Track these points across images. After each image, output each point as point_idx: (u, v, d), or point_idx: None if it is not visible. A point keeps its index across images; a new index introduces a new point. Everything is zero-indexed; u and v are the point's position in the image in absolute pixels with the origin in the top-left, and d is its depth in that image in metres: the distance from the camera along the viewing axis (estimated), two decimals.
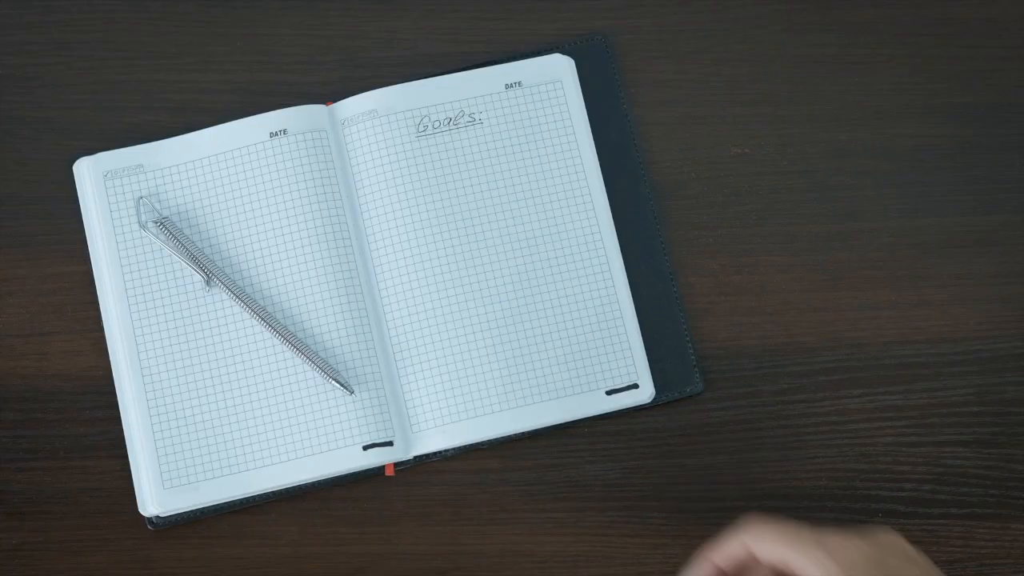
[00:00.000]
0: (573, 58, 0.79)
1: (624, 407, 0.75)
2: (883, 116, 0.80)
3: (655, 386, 0.75)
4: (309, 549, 0.74)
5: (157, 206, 0.76)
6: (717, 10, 0.81)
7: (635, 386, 0.75)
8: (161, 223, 0.75)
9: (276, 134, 0.77)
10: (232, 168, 0.77)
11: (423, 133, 0.77)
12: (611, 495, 0.74)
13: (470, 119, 0.78)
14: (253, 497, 0.74)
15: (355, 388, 0.74)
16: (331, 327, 0.75)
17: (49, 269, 0.77)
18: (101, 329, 0.76)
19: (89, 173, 0.77)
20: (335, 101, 0.78)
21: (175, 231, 0.75)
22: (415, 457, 0.75)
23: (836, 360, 0.77)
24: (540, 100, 0.78)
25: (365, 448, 0.74)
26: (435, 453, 0.75)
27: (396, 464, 0.75)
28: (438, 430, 0.74)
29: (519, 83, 0.79)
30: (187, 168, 0.77)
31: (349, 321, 0.75)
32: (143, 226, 0.75)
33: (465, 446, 0.75)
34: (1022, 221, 0.79)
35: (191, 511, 0.73)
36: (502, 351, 0.75)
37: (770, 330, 0.77)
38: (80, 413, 0.75)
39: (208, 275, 0.74)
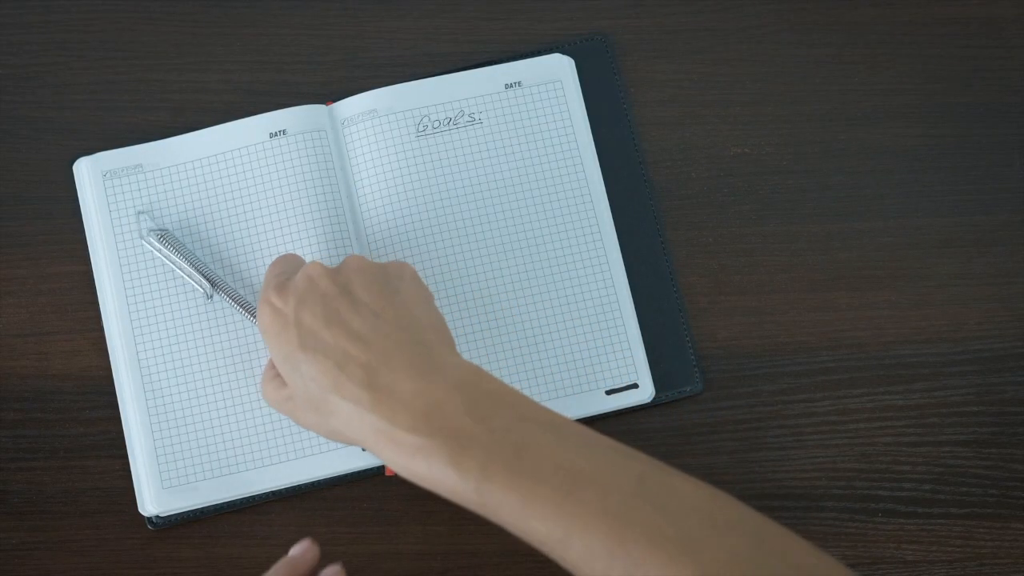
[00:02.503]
0: (573, 58, 0.79)
1: (624, 407, 0.75)
2: (883, 116, 0.80)
3: (655, 386, 0.75)
4: None
5: (157, 216, 0.76)
6: (717, 10, 0.81)
7: (635, 386, 0.75)
8: (162, 236, 0.75)
9: (276, 134, 0.77)
10: (232, 168, 0.77)
11: (423, 133, 0.77)
12: None
13: (470, 119, 0.78)
14: (253, 497, 0.74)
15: None
16: None
17: (49, 269, 0.77)
18: (101, 329, 0.76)
19: (88, 173, 0.77)
20: (335, 101, 0.78)
21: (175, 244, 0.75)
22: None
23: (836, 360, 0.77)
24: (540, 100, 0.78)
25: (364, 448, 0.73)
26: None
27: None
28: None
29: (519, 83, 0.79)
30: (187, 168, 0.77)
31: None
32: (143, 238, 0.75)
33: None
34: (1022, 221, 0.79)
35: (191, 511, 0.73)
36: (502, 351, 0.75)
37: (770, 330, 0.77)
38: (80, 413, 0.75)
39: (211, 285, 0.74)
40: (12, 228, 0.78)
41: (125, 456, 0.74)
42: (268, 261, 0.75)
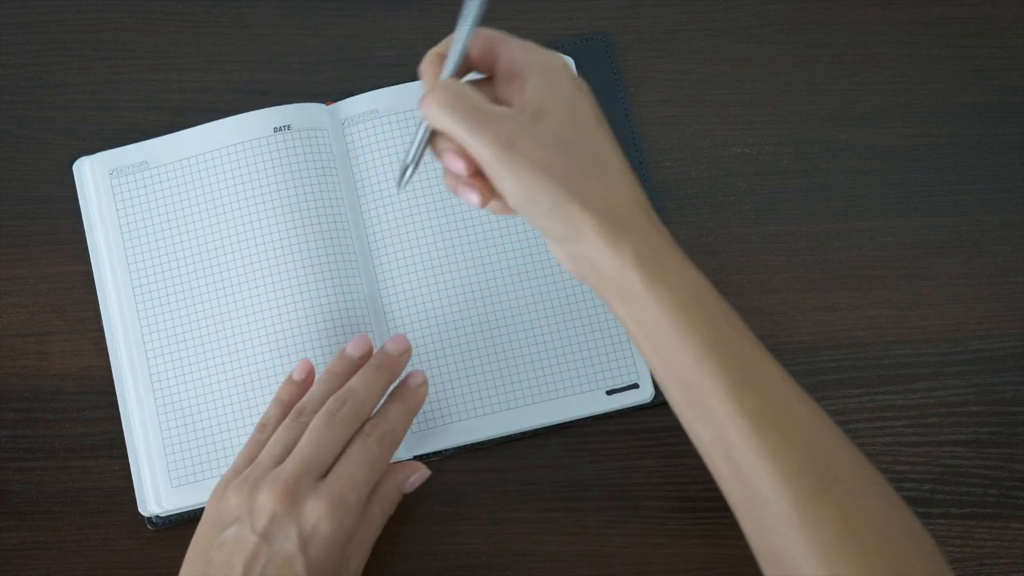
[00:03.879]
0: (573, 58, 0.79)
1: (624, 407, 0.75)
2: (883, 116, 0.80)
3: (655, 386, 0.75)
4: None
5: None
6: (717, 10, 0.81)
7: (635, 386, 0.75)
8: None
9: (280, 129, 0.77)
10: (236, 162, 0.77)
11: None
12: (611, 495, 0.74)
13: None
14: None
15: None
16: (332, 324, 0.74)
17: (49, 269, 0.77)
18: (101, 329, 0.76)
19: (93, 171, 0.77)
20: (335, 101, 0.78)
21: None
22: (415, 457, 0.75)
23: (836, 360, 0.77)
24: None
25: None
26: (435, 453, 0.75)
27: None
28: (438, 430, 0.74)
29: None
30: (190, 163, 0.77)
31: (350, 319, 0.75)
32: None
33: (465, 446, 0.75)
34: (1022, 221, 0.79)
35: (191, 511, 0.73)
36: (502, 351, 0.75)
37: (770, 330, 0.77)
38: (80, 413, 0.75)
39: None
40: (12, 228, 0.78)
41: (125, 456, 0.74)
42: (274, 255, 0.75)
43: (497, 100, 0.65)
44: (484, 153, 0.60)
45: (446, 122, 0.61)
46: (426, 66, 0.64)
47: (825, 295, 0.78)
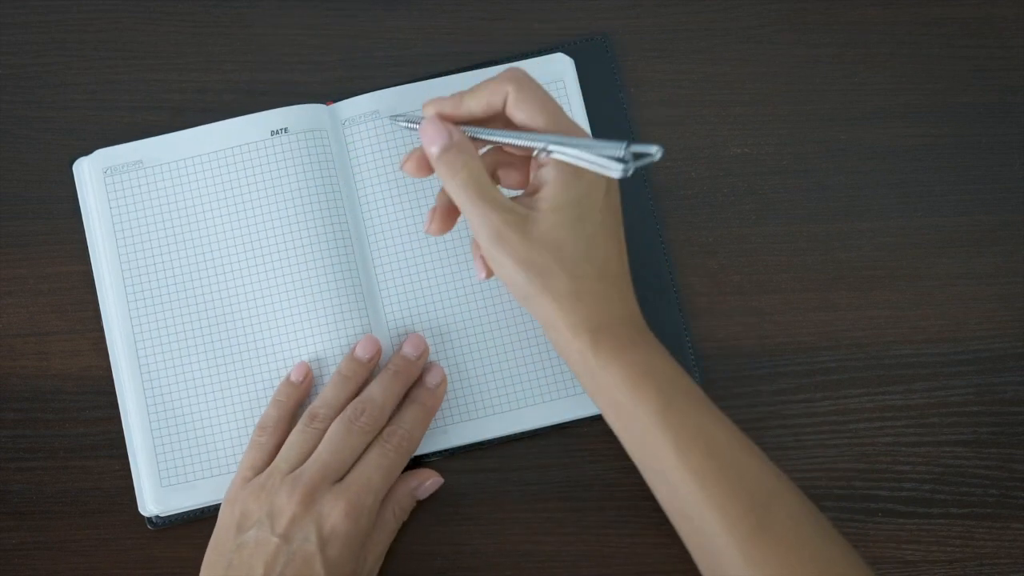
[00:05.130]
0: (573, 58, 0.79)
1: None
2: (883, 116, 0.80)
3: None
4: None
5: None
6: (717, 10, 0.81)
7: None
8: None
9: (277, 132, 0.77)
10: (232, 165, 0.77)
11: None
12: (611, 495, 0.74)
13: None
14: None
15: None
16: (330, 325, 0.74)
17: (49, 269, 0.77)
18: (101, 329, 0.76)
19: (89, 170, 0.77)
20: (335, 101, 0.78)
21: None
22: (416, 458, 0.74)
23: (836, 360, 0.77)
24: None
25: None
26: (435, 453, 0.75)
27: None
28: (438, 430, 0.74)
29: None
30: (187, 164, 0.77)
31: (349, 319, 0.75)
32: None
33: (465, 446, 0.75)
34: (1022, 221, 0.79)
35: (191, 511, 0.73)
36: (503, 351, 0.75)
37: (770, 330, 0.77)
38: (80, 413, 0.75)
39: None
40: (12, 228, 0.78)
41: (125, 456, 0.74)
42: (270, 258, 0.75)
43: (503, 162, 0.70)
44: (479, 237, 0.66)
45: (452, 190, 0.67)
46: (434, 113, 0.69)
47: (825, 295, 0.78)
